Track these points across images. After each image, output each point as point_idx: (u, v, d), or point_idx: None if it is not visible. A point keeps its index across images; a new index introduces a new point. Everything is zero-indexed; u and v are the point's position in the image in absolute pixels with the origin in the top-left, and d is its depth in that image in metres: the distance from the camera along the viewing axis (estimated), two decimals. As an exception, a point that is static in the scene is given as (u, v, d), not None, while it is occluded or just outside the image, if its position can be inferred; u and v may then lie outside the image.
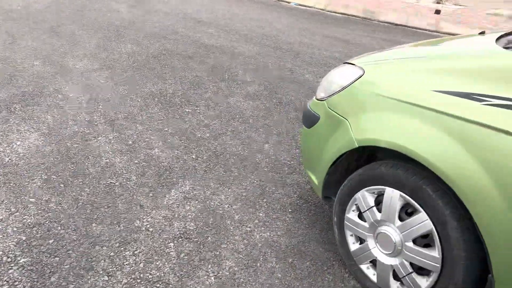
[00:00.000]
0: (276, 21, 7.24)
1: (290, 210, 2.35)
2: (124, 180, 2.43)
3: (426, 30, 8.17)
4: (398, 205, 1.65)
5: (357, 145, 1.74)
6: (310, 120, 2.10)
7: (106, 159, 2.60)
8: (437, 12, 9.19)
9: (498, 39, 1.73)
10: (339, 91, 1.90)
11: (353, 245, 1.88)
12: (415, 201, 1.59)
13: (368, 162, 1.99)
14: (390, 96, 1.65)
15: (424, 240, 1.62)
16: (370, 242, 1.78)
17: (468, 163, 1.39)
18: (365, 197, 1.77)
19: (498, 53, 1.45)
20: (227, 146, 2.95)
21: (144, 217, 2.15)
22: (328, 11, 8.93)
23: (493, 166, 1.35)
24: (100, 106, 3.29)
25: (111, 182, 2.39)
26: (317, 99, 2.07)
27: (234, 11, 7.65)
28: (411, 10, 9.31)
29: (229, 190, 2.45)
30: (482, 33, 1.91)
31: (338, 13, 8.82)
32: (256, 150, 2.94)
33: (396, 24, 8.39)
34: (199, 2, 8.04)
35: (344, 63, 2.13)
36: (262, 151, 2.93)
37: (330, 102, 1.94)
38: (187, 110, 3.42)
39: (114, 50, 4.62)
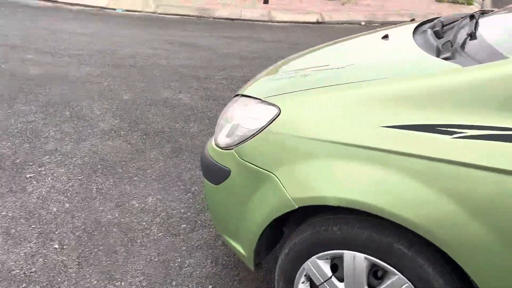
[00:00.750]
0: (108, 33, 6.39)
1: (210, 286, 1.85)
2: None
3: (261, 21, 8.24)
4: (364, 271, 1.30)
5: (296, 206, 1.34)
6: (216, 174, 1.62)
7: None
8: (266, 2, 9.38)
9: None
10: (251, 137, 1.45)
11: (314, 323, 1.50)
12: (386, 263, 1.27)
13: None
14: (326, 139, 1.27)
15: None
16: (337, 319, 1.42)
17: (450, 211, 1.11)
18: (318, 266, 1.38)
19: (448, 68, 1.20)
20: (99, 215, 2.27)
21: None
22: (159, 14, 8.33)
23: (480, 210, 1.08)
24: None
25: None
26: (221, 148, 1.60)
27: (53, 27, 6.50)
28: (242, 2, 9.32)
29: (122, 284, 1.83)
30: (386, 36, 1.68)
31: (171, 14, 8.30)
32: (138, 209, 2.33)
33: (232, 19, 8.27)
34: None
35: (239, 95, 1.70)
36: (147, 209, 2.33)
37: (242, 151, 1.49)
38: (28, 176, 2.57)
39: None
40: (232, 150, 1.52)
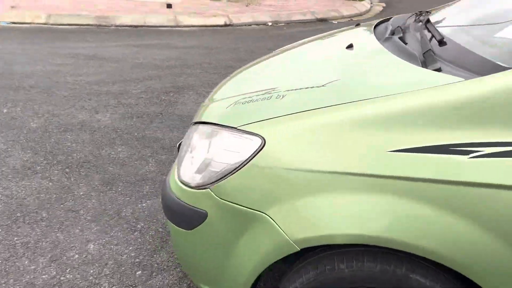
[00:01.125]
0: (-5, 50, 5.60)
1: None
2: None
3: (167, 26, 7.88)
4: (380, 306, 1.20)
5: (299, 248, 1.18)
6: (188, 219, 1.39)
7: None
8: (169, 6, 9.01)
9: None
10: (231, 173, 1.26)
11: None
12: (403, 296, 1.17)
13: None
14: (325, 170, 1.13)
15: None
16: None
17: (476, 237, 1.03)
18: (325, 308, 1.24)
19: (450, 82, 1.11)
20: (31, 276, 1.88)
21: None
22: (52, 24, 7.55)
23: (508, 233, 1.02)
24: None
25: None
26: (191, 187, 1.37)
27: None
28: (144, 8, 8.83)
29: None
30: (350, 46, 1.58)
31: (66, 24, 7.57)
32: (80, 261, 1.98)
33: (136, 26, 7.80)
34: None
35: (196, 122, 1.47)
36: (91, 259, 1.99)
37: (222, 191, 1.28)
38: None
39: None
40: (208, 190, 1.31)
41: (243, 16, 8.62)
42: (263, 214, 1.21)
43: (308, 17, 9.12)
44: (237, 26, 8.32)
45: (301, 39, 2.17)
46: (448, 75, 1.13)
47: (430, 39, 1.43)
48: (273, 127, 1.23)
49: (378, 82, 1.23)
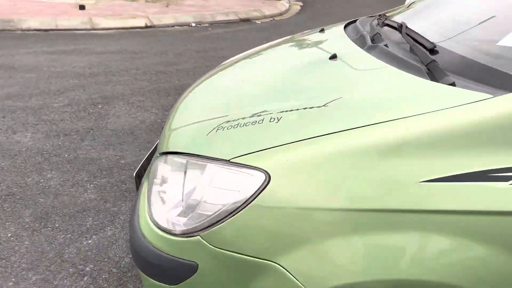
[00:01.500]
0: None
1: None
2: None
3: (82, 29, 7.24)
4: None
5: (321, 303, 1.01)
6: (171, 272, 1.14)
7: None
8: (82, 7, 8.30)
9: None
10: (230, 216, 1.04)
11: None
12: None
13: None
14: (347, 208, 0.96)
15: None
16: None
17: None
18: None
19: (477, 99, 1.00)
20: None
21: None
22: None
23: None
24: None
25: None
26: (175, 234, 1.12)
27: None
28: (53, 10, 8.04)
29: None
30: (334, 56, 1.42)
31: (-39, 29, 6.64)
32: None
33: (46, 30, 7.07)
34: None
35: (166, 153, 1.23)
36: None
37: (217, 238, 1.06)
38: None
39: None
40: (198, 237, 1.08)
41: (165, 17, 8.22)
42: (273, 263, 1.02)
43: (232, 17, 8.96)
44: (159, 27, 7.91)
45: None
46: (471, 91, 1.02)
47: (429, 49, 1.29)
48: (277, 158, 1.03)
49: (388, 101, 1.09)
